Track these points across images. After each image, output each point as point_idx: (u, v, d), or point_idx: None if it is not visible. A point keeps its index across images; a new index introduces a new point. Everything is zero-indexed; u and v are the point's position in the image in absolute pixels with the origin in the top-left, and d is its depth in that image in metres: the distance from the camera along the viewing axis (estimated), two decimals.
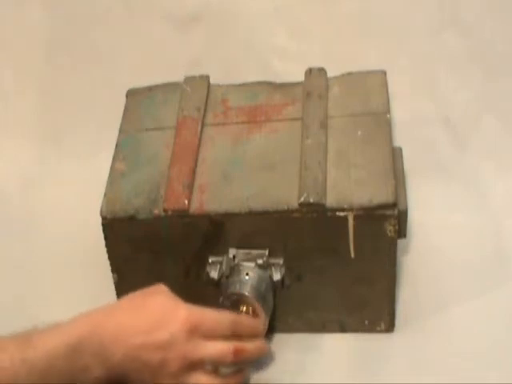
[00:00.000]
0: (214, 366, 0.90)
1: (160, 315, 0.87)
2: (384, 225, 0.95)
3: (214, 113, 1.09)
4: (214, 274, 0.98)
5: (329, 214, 0.95)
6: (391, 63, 1.18)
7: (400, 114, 1.21)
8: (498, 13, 1.24)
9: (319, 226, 0.96)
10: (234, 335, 0.90)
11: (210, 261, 0.99)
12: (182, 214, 0.97)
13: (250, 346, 0.91)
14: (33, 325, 0.84)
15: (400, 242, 0.99)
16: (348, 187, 0.96)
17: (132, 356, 0.85)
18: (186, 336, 0.86)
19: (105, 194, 1.01)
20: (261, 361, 1.00)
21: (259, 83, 1.12)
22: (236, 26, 1.29)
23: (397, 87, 1.13)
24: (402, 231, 0.98)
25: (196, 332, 0.87)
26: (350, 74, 1.11)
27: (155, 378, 0.87)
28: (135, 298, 0.90)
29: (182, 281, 1.01)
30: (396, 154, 1.04)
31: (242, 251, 0.98)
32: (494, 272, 1.09)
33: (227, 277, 0.98)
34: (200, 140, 1.05)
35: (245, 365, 0.94)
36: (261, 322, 0.96)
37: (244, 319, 0.94)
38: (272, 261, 0.98)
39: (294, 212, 0.95)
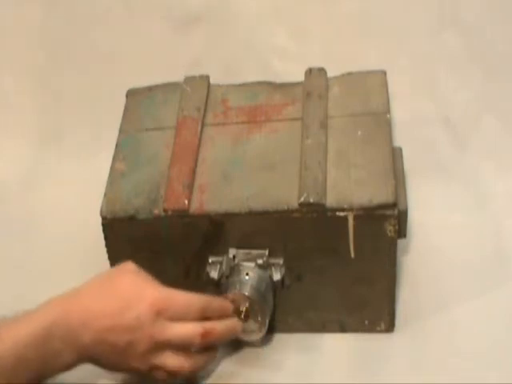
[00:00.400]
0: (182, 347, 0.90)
1: (126, 297, 0.88)
2: (384, 225, 0.95)
3: (214, 113, 1.09)
4: (214, 274, 0.98)
5: (329, 213, 0.95)
6: (391, 63, 1.18)
7: (400, 114, 1.21)
8: (498, 13, 1.25)
9: (319, 225, 0.96)
10: (205, 318, 0.91)
11: (210, 261, 0.99)
12: (182, 214, 0.97)
13: (220, 327, 0.92)
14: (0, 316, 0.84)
15: (400, 242, 0.99)
16: (348, 187, 0.96)
17: (100, 339, 0.86)
18: (153, 318, 0.87)
19: (105, 194, 1.01)
20: (261, 361, 1.00)
21: (259, 83, 1.12)
22: (236, 26, 1.29)
23: (397, 87, 1.13)
24: (402, 231, 0.98)
25: (163, 314, 0.88)
26: (350, 74, 1.11)
27: (123, 359, 0.88)
28: (102, 279, 0.90)
29: (181, 281, 1.00)
30: (396, 154, 1.04)
31: (241, 251, 0.98)
32: (493, 272, 1.09)
33: (227, 277, 0.98)
34: (200, 140, 1.05)
35: (215, 344, 0.94)
36: (230, 305, 0.95)
37: (214, 302, 0.93)
38: (272, 261, 0.98)
39: (294, 212, 0.95)
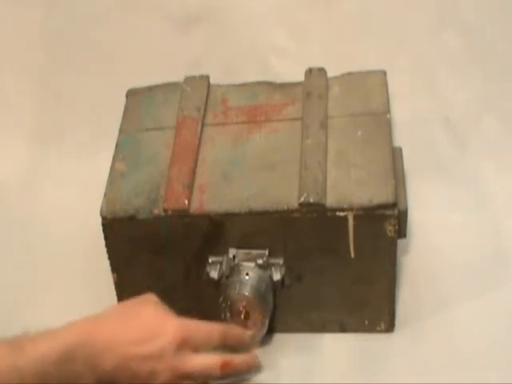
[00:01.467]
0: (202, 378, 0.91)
1: (150, 327, 0.88)
2: (384, 225, 0.95)
3: (214, 113, 1.09)
4: (214, 274, 0.98)
5: (329, 214, 0.95)
6: (391, 63, 1.18)
7: (400, 114, 1.21)
8: (498, 13, 1.25)
9: (319, 226, 0.96)
10: (225, 346, 0.91)
11: (210, 261, 0.99)
12: (182, 214, 0.97)
13: (238, 360, 0.92)
14: (23, 331, 0.83)
15: (400, 242, 0.99)
16: (348, 187, 0.96)
17: (122, 366, 0.86)
18: (175, 349, 0.87)
19: (105, 194, 1.01)
20: (261, 361, 1.00)
21: (259, 83, 1.12)
22: (236, 26, 1.29)
23: (397, 87, 1.13)
24: (402, 231, 0.98)
25: (185, 345, 0.88)
26: (350, 74, 1.11)
27: None
28: (126, 307, 0.91)
29: (181, 281, 1.01)
30: (396, 154, 1.04)
31: (241, 251, 0.98)
32: (494, 272, 1.09)
33: (227, 277, 0.98)
34: (200, 140, 1.05)
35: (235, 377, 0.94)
36: (251, 333, 0.96)
37: (233, 330, 0.94)
38: (272, 261, 0.98)
39: (294, 212, 0.96)
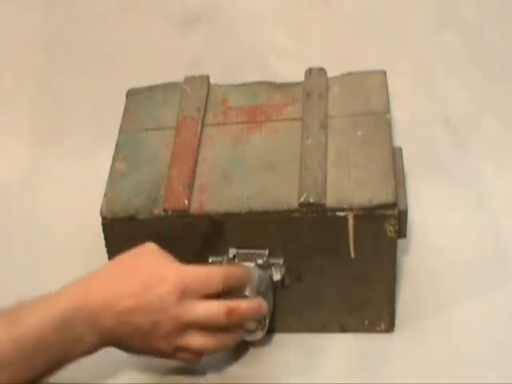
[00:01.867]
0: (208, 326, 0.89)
1: (149, 277, 0.86)
2: (384, 225, 0.95)
3: (214, 113, 1.09)
4: None
5: (329, 214, 0.95)
6: (391, 63, 1.18)
7: (400, 114, 1.21)
8: (498, 13, 1.25)
9: (319, 225, 0.96)
10: (228, 288, 0.90)
11: (209, 261, 0.99)
12: (182, 214, 0.97)
13: (245, 306, 0.90)
14: (19, 299, 0.83)
15: (400, 242, 0.99)
16: (348, 187, 0.96)
17: (123, 321, 0.85)
18: (177, 297, 0.86)
19: (105, 194, 1.01)
20: (261, 361, 1.00)
21: (259, 83, 1.12)
22: (236, 26, 1.29)
23: (397, 87, 1.13)
24: (402, 231, 0.98)
25: (187, 293, 0.86)
26: (350, 74, 1.11)
27: (147, 341, 0.87)
28: (123, 260, 0.89)
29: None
30: (396, 154, 1.04)
31: (242, 251, 0.98)
32: (493, 272, 1.09)
33: None
34: (200, 140, 1.05)
35: (241, 324, 0.93)
36: (252, 272, 0.94)
37: (235, 270, 0.93)
38: (272, 261, 0.98)
39: (294, 212, 0.95)
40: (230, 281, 0.91)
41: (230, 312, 0.88)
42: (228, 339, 0.92)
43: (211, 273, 0.90)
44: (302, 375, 0.98)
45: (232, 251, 0.98)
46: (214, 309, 0.88)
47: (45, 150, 1.33)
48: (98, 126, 1.31)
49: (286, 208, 0.96)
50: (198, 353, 0.90)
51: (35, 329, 0.81)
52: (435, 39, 1.27)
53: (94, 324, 0.84)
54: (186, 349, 0.89)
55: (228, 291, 0.91)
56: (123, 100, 1.14)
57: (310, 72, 1.11)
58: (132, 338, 0.87)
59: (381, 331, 1.02)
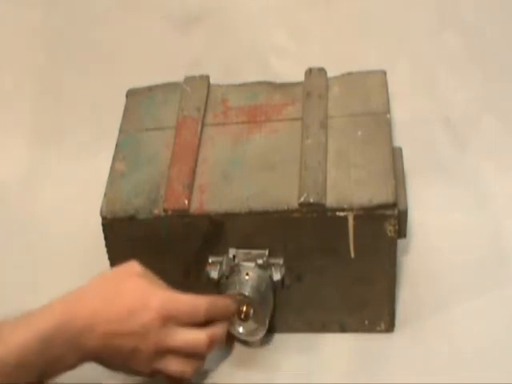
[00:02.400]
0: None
1: (133, 303, 0.87)
2: (384, 225, 0.95)
3: (214, 113, 1.09)
4: (214, 274, 0.98)
5: (329, 213, 0.95)
6: (391, 63, 1.18)
7: (400, 114, 1.21)
8: (498, 13, 1.25)
9: (319, 225, 0.96)
10: (211, 319, 0.91)
11: (209, 261, 0.99)
12: (182, 214, 0.97)
13: (221, 331, 0.92)
14: (2, 318, 0.83)
15: (400, 242, 0.99)
16: (348, 187, 0.96)
17: (105, 344, 0.85)
18: (159, 325, 0.87)
19: (105, 194, 1.01)
20: (261, 361, 1.00)
21: (259, 83, 1.12)
22: (236, 26, 1.29)
23: (397, 87, 1.13)
24: (402, 231, 0.98)
25: (169, 320, 0.87)
26: (350, 74, 1.11)
27: (127, 362, 0.88)
28: (107, 280, 0.89)
29: (181, 281, 1.00)
30: (396, 154, 1.04)
31: (241, 251, 0.98)
32: (494, 272, 1.09)
33: (227, 277, 0.98)
34: (200, 140, 1.05)
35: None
36: (235, 303, 0.95)
37: (218, 302, 0.93)
38: (272, 261, 0.98)
39: (294, 212, 0.95)
40: (213, 312, 0.92)
41: (210, 341, 0.90)
42: (202, 363, 0.94)
43: (195, 304, 0.91)
44: (301, 375, 0.98)
45: (232, 251, 0.98)
46: (194, 337, 0.90)
47: (45, 150, 1.33)
48: (98, 126, 1.31)
49: (286, 208, 0.96)
50: (175, 377, 0.91)
51: (16, 350, 0.81)
52: (435, 39, 1.27)
53: (76, 345, 0.84)
54: (163, 372, 0.90)
55: (211, 321, 0.92)
56: (123, 100, 1.14)
57: (309, 72, 1.11)
58: (112, 359, 0.88)
59: (381, 331, 1.02)
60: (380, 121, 1.04)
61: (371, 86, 1.08)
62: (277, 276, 0.98)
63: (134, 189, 1.01)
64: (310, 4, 1.28)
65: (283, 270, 0.98)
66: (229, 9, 1.29)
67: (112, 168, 1.04)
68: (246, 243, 0.98)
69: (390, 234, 0.95)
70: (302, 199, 0.95)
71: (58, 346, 0.83)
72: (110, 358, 0.88)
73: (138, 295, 0.88)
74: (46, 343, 0.82)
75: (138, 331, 0.86)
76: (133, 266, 0.91)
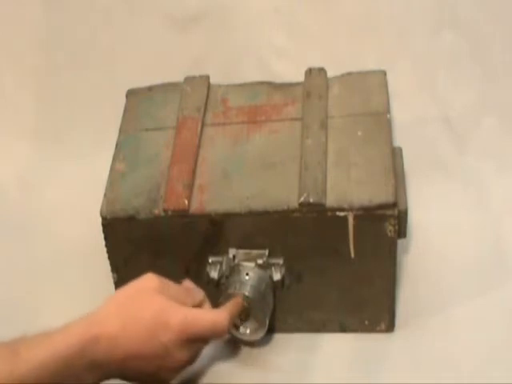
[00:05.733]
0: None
1: (152, 324, 0.86)
2: (384, 225, 0.95)
3: (214, 113, 1.09)
4: (214, 274, 0.98)
5: (329, 213, 0.95)
6: (391, 63, 1.18)
7: (400, 114, 1.21)
8: (498, 13, 1.24)
9: (319, 225, 0.96)
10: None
11: (209, 261, 0.99)
12: (182, 214, 0.97)
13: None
14: (22, 334, 0.82)
15: (400, 242, 0.99)
16: (348, 187, 0.96)
17: (126, 366, 0.85)
18: (180, 344, 0.87)
19: (105, 194, 1.01)
20: (261, 361, 1.00)
21: (259, 83, 1.12)
22: (236, 26, 1.29)
23: (397, 87, 1.13)
24: (401, 231, 0.98)
25: (190, 340, 0.88)
26: (349, 74, 1.11)
27: (151, 378, 0.89)
28: (125, 301, 0.88)
29: (182, 281, 1.00)
30: (396, 154, 1.04)
31: (241, 251, 0.98)
32: (494, 272, 1.09)
33: (227, 277, 0.98)
34: (200, 140, 1.05)
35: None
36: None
37: (234, 312, 0.94)
38: (272, 261, 0.98)
39: (294, 212, 0.96)
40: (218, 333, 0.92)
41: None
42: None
43: (216, 321, 0.90)
44: (301, 375, 0.98)
45: (232, 251, 0.98)
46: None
47: (45, 150, 1.33)
48: (98, 126, 1.31)
49: (286, 208, 0.96)
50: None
51: (36, 370, 0.81)
52: (435, 39, 1.27)
53: (96, 367, 0.84)
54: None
55: None
56: (123, 100, 1.14)
57: (309, 72, 1.11)
58: (134, 377, 0.88)
59: (381, 331, 1.02)
60: (380, 121, 1.04)
61: (371, 85, 1.08)
62: (277, 276, 0.98)
63: (134, 189, 1.01)
64: (309, 4, 1.28)
65: (283, 269, 0.98)
66: (229, 9, 1.29)
67: (112, 168, 1.04)
68: (245, 243, 0.98)
69: (389, 234, 0.95)
70: (302, 199, 0.95)
71: (77, 367, 0.83)
72: (131, 377, 0.88)
73: (157, 316, 0.86)
74: (65, 364, 0.82)
75: (159, 353, 0.86)
76: (150, 281, 0.89)
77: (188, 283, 0.95)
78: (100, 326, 0.85)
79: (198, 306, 0.93)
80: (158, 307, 0.87)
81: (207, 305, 0.94)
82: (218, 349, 0.99)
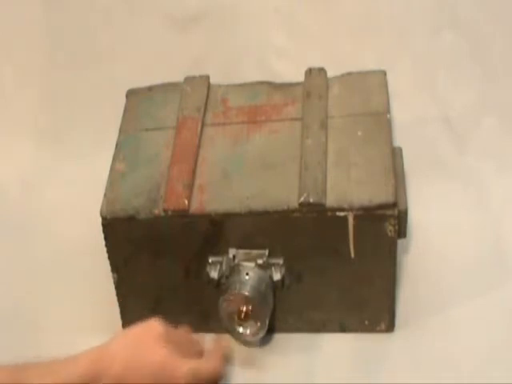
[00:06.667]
0: None
1: (159, 371, 0.85)
2: (384, 225, 0.95)
3: (214, 113, 1.09)
4: (214, 274, 0.98)
5: (329, 213, 0.95)
6: (391, 63, 1.18)
7: (400, 114, 1.21)
8: (498, 13, 1.24)
9: (319, 226, 0.96)
10: None
11: (209, 261, 0.99)
12: (182, 214, 0.97)
13: None
14: (25, 360, 0.82)
15: (400, 242, 0.99)
16: (348, 187, 0.96)
17: None
18: None
19: (105, 194, 1.01)
20: (261, 361, 1.00)
21: (259, 83, 1.12)
22: (236, 26, 1.29)
23: (397, 87, 1.13)
24: (401, 231, 0.98)
25: None
26: (349, 74, 1.11)
27: None
28: (130, 343, 0.87)
29: (181, 281, 1.01)
30: (396, 154, 1.04)
31: (241, 251, 0.98)
32: (494, 272, 1.09)
33: (227, 277, 0.98)
34: (200, 140, 1.05)
35: None
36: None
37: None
38: (272, 261, 0.98)
39: (294, 212, 0.96)
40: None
41: None
42: None
43: (220, 372, 0.90)
44: (301, 375, 0.98)
45: (232, 251, 0.98)
46: None
47: (45, 150, 1.33)
48: (98, 126, 1.31)
49: (286, 208, 0.96)
50: None
51: None
52: (435, 39, 1.27)
53: None
54: None
55: None
56: (123, 100, 1.14)
57: (309, 72, 1.11)
58: None
59: (381, 331, 1.02)
60: (380, 121, 1.04)
61: (371, 85, 1.08)
62: (277, 276, 0.98)
63: (134, 189, 1.01)
64: (309, 4, 1.28)
65: (283, 269, 0.98)
66: (229, 9, 1.29)
67: (112, 168, 1.04)
68: (245, 243, 0.98)
69: (390, 234, 0.95)
70: (302, 199, 0.95)
71: None
72: None
73: (163, 367, 0.86)
74: None
75: None
76: (155, 327, 0.88)
77: (187, 330, 0.95)
78: (104, 365, 0.84)
79: (199, 353, 0.92)
80: (163, 358, 0.86)
81: (205, 352, 0.93)
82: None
